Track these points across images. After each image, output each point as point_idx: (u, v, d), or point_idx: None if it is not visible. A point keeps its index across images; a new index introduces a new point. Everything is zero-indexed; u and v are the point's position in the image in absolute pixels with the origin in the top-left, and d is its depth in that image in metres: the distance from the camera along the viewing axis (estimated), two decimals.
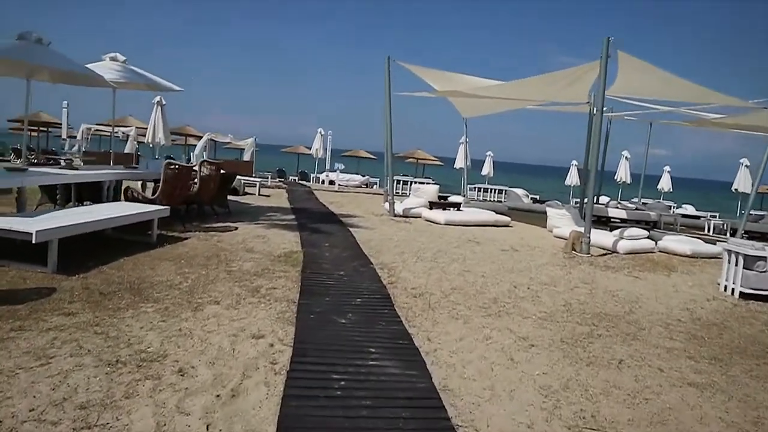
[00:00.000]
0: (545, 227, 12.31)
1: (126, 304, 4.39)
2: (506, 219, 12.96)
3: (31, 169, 7.83)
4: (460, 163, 23.55)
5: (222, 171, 9.48)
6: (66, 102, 14.39)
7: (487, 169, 27.93)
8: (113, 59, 10.05)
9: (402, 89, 13.89)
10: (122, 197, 8.03)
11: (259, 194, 15.74)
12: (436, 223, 11.85)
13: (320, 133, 25.57)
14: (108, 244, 6.60)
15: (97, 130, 19.72)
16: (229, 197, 13.98)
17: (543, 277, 6.98)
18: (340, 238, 8.61)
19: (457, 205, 13.65)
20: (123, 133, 19.54)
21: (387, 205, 13.34)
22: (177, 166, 7.97)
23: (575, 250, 9.12)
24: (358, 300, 5.13)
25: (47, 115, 23.08)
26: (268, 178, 20.60)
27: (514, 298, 5.82)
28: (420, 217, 12.62)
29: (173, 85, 10.74)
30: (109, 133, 24.20)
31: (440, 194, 16.18)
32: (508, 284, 6.43)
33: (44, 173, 7.62)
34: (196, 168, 8.68)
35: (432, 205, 13.60)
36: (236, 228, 8.58)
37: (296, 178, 30.38)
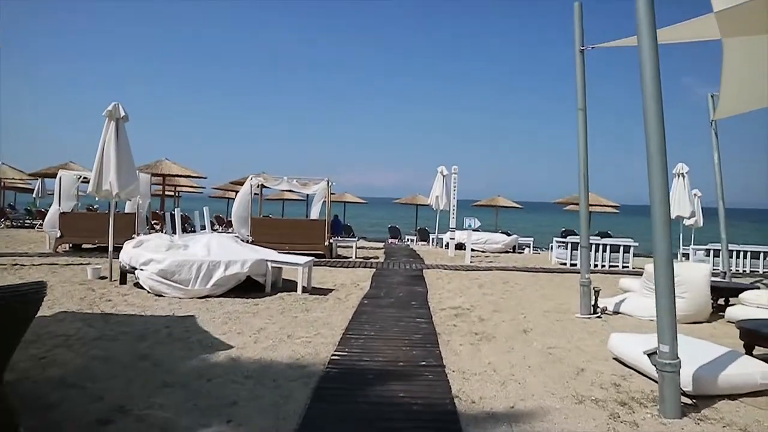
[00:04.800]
0: None
1: None
2: None
3: None
4: (680, 209, 13.75)
5: None
6: None
7: (697, 215, 17.39)
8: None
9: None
10: None
11: (304, 290, 7.58)
12: None
13: (440, 172, 17.35)
14: None
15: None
16: (247, 297, 6.13)
17: None
18: None
19: None
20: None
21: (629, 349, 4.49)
22: None
23: None
24: None
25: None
26: (353, 244, 12.58)
27: None
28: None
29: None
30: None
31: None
32: None
33: None
34: None
35: (753, 341, 4.59)
36: None
37: (413, 239, 22.35)
